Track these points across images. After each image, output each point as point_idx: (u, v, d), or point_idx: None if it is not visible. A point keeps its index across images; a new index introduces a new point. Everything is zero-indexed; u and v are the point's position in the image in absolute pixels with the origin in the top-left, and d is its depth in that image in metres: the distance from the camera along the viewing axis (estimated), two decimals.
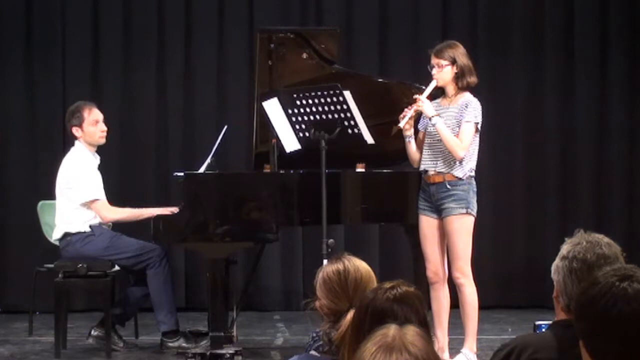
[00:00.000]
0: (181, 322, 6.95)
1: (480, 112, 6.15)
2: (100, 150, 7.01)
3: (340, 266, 3.31)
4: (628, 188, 8.81)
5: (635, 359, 2.18)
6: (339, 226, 8.12)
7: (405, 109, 6.12)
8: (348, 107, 5.98)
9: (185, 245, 7.05)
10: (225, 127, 7.05)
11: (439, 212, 6.17)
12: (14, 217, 8.57)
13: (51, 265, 6.92)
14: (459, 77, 6.15)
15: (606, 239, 2.86)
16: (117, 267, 6.81)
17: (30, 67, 8.68)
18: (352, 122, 5.99)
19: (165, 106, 8.75)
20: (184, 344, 6.69)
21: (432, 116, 6.10)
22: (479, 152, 6.24)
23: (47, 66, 8.67)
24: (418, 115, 6.26)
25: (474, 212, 6.16)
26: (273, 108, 6.12)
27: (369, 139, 6.07)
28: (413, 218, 6.33)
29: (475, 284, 6.23)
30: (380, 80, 7.09)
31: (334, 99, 5.98)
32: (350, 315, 3.01)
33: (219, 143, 6.86)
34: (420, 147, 6.27)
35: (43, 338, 7.21)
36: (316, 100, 6.01)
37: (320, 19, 8.79)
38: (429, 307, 6.00)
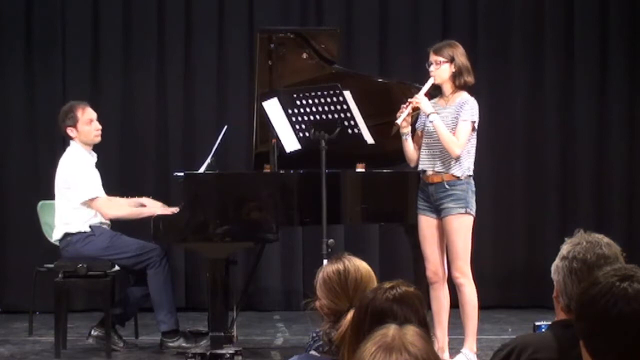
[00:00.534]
0: (181, 322, 6.96)
1: (477, 111, 6.17)
2: (100, 150, 7.01)
3: (340, 266, 3.32)
4: (628, 188, 8.81)
5: (635, 359, 2.18)
6: (339, 226, 8.12)
7: (402, 106, 6.13)
8: (348, 107, 5.98)
9: (185, 245, 7.04)
10: (225, 127, 7.05)
11: (438, 212, 6.17)
12: (14, 217, 8.57)
13: (51, 265, 6.92)
14: (456, 75, 6.16)
15: (606, 239, 2.86)
16: (117, 267, 6.81)
17: (30, 67, 8.68)
18: (352, 122, 6.00)
19: (165, 106, 8.75)
20: (184, 344, 6.70)
21: (430, 113, 6.11)
22: (478, 151, 6.25)
23: (47, 66, 8.66)
24: (416, 115, 6.27)
25: (473, 211, 6.16)
26: (273, 108, 6.12)
27: (369, 139, 6.07)
28: (413, 218, 6.33)
29: (476, 284, 6.23)
30: (380, 80, 7.10)
31: (334, 99, 5.98)
32: (350, 315, 3.01)
33: (219, 143, 6.86)
34: (417, 146, 6.27)
35: (43, 338, 7.21)
36: (316, 100, 6.01)
37: (320, 19, 8.78)
38: (429, 307, 6.00)
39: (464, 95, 6.19)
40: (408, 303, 2.72)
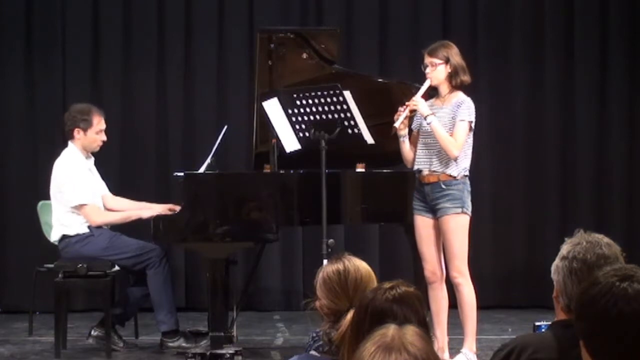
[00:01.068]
0: (181, 322, 6.96)
1: (474, 111, 6.18)
2: (100, 150, 7.00)
3: (340, 266, 3.32)
4: (628, 188, 8.80)
5: (635, 359, 2.18)
6: (339, 226, 8.12)
7: (400, 109, 6.14)
8: (348, 107, 5.98)
9: (185, 245, 7.04)
10: (225, 127, 7.05)
11: (434, 212, 6.18)
12: (14, 217, 8.57)
13: (51, 265, 6.92)
14: (452, 76, 6.17)
15: (606, 239, 2.86)
16: (117, 267, 6.81)
17: (30, 67, 8.68)
18: (352, 122, 6.00)
19: (165, 106, 8.75)
20: (184, 344, 6.69)
21: (428, 115, 6.11)
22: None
23: (47, 66, 8.66)
24: (412, 116, 6.27)
25: (469, 211, 6.17)
26: (273, 108, 6.12)
27: (369, 139, 6.07)
28: (413, 218, 6.33)
29: (475, 284, 6.23)
30: (380, 80, 7.10)
31: (334, 99, 5.98)
32: (350, 315, 3.01)
33: (219, 143, 6.86)
34: (414, 146, 6.28)
35: (43, 338, 7.21)
36: (316, 100, 6.01)
37: (320, 19, 8.78)
38: (428, 308, 6.00)
39: (460, 95, 6.20)
40: (408, 303, 2.72)
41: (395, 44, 8.79)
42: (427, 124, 6.13)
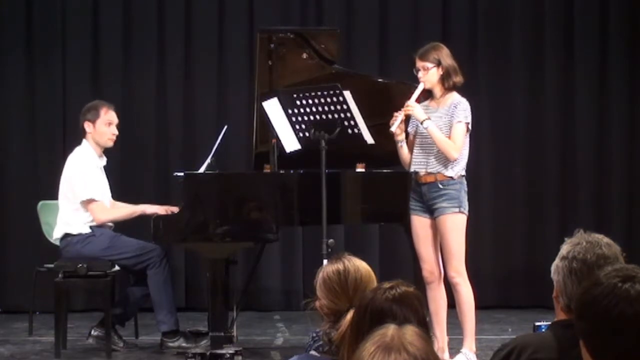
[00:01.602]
0: (181, 322, 6.95)
1: (470, 112, 6.18)
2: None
3: (340, 266, 3.32)
4: (628, 188, 8.80)
5: (635, 359, 2.18)
6: (339, 226, 8.12)
7: (395, 114, 6.14)
8: (348, 107, 5.98)
9: (185, 245, 7.04)
10: (225, 127, 7.05)
11: (431, 212, 6.19)
12: (14, 217, 8.56)
13: (51, 265, 6.92)
14: (444, 78, 6.18)
15: (606, 239, 2.86)
16: (117, 267, 6.81)
17: (30, 67, 8.68)
18: (352, 122, 6.00)
19: (165, 106, 8.75)
20: (184, 344, 6.70)
21: (424, 120, 6.12)
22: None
23: (47, 66, 8.66)
24: (408, 118, 6.28)
25: (466, 210, 6.18)
26: (273, 108, 6.12)
27: (369, 139, 6.07)
28: None
29: (475, 284, 6.24)
30: (380, 80, 7.09)
31: (334, 99, 5.98)
32: (350, 315, 3.01)
33: (219, 143, 6.85)
34: (411, 149, 6.28)
35: (43, 338, 7.21)
36: (316, 100, 6.01)
37: (320, 19, 8.78)
38: (427, 308, 5.99)
39: (455, 97, 6.20)
40: (407, 303, 2.72)
41: (395, 44, 8.78)
42: (424, 128, 6.14)
